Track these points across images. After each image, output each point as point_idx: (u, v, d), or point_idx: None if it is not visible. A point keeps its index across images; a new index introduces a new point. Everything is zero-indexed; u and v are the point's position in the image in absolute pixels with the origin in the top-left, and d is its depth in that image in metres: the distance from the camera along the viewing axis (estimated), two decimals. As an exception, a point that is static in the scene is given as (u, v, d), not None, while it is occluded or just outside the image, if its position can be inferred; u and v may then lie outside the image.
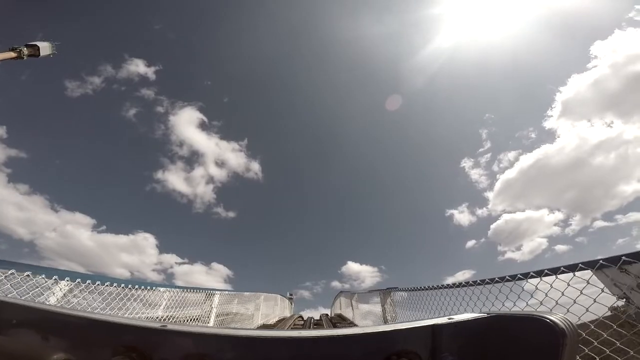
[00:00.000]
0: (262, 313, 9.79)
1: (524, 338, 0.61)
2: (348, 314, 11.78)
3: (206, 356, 0.61)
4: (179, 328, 0.67)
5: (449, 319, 0.68)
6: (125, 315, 3.14)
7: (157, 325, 0.65)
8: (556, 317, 0.57)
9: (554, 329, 0.56)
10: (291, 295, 21.73)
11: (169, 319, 4.39)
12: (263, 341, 0.64)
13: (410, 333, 0.66)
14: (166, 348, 0.65)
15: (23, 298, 2.14)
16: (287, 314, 16.66)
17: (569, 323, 0.57)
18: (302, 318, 14.86)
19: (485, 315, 0.68)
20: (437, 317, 0.70)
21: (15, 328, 0.71)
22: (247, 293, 8.56)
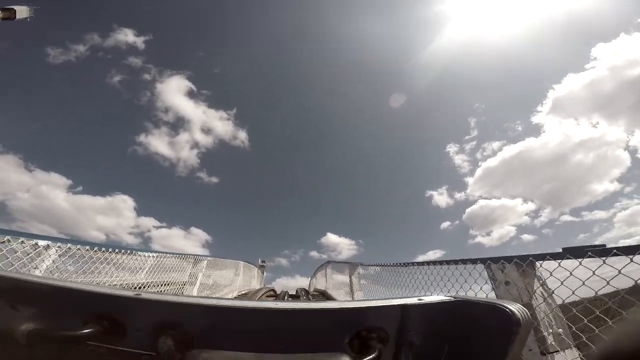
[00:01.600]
0: (212, 283, 7.45)
1: (484, 323, 0.65)
2: (323, 284, 11.83)
3: (180, 325, 0.62)
4: (154, 297, 0.66)
5: (419, 299, 0.71)
6: (104, 283, 3.10)
7: (130, 293, 0.65)
8: (515, 307, 0.61)
9: (510, 318, 0.60)
10: (263, 262, 18.15)
11: (150, 286, 4.48)
12: (237, 311, 0.65)
13: (380, 311, 0.69)
14: (140, 316, 0.64)
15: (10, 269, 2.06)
16: (255, 285, 13.72)
17: (526, 314, 0.61)
18: (275, 292, 12.65)
19: (452, 298, 0.71)
20: (407, 297, 0.73)
21: None
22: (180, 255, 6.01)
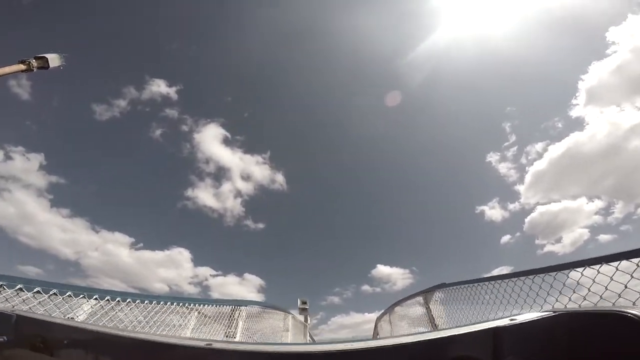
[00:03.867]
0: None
1: (602, 337, 0.54)
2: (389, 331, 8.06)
3: None
4: (225, 346, 0.66)
5: (511, 319, 0.62)
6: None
7: (202, 344, 0.65)
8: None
9: (638, 325, 0.48)
10: (304, 304, 11.52)
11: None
12: (309, 356, 0.61)
13: (470, 337, 0.61)
14: None
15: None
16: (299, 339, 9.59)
17: None
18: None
19: (552, 313, 0.61)
20: (497, 319, 0.65)
21: (67, 349, 0.73)
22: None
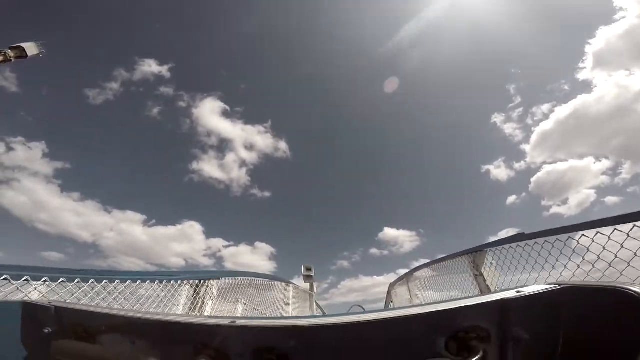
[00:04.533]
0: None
1: (602, 311, 0.57)
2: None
3: (275, 348, 0.64)
4: (247, 322, 0.71)
5: (517, 291, 0.65)
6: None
7: (226, 321, 0.70)
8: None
9: (638, 301, 0.51)
10: (309, 270, 10.11)
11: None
12: (325, 328, 0.65)
13: (477, 309, 0.64)
14: (238, 343, 0.69)
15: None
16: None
17: None
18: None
19: (557, 286, 0.64)
20: (504, 291, 0.67)
21: (106, 334, 0.79)
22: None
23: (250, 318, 0.76)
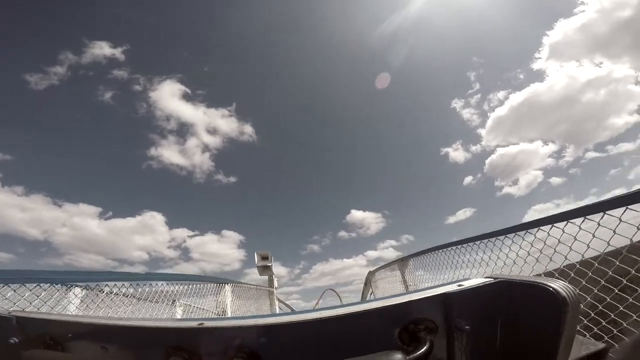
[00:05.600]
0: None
1: (529, 304, 0.66)
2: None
3: (245, 347, 0.68)
4: (215, 324, 0.74)
5: (459, 285, 0.72)
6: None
7: (194, 323, 0.72)
8: (558, 285, 0.61)
9: (555, 297, 0.60)
10: (264, 259, 7.87)
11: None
12: (291, 325, 0.70)
13: (423, 302, 0.71)
14: (208, 343, 0.72)
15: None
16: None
17: (570, 290, 0.61)
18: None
19: (493, 280, 0.72)
20: (447, 284, 0.75)
21: (73, 342, 0.79)
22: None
23: (219, 318, 0.79)
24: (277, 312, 6.88)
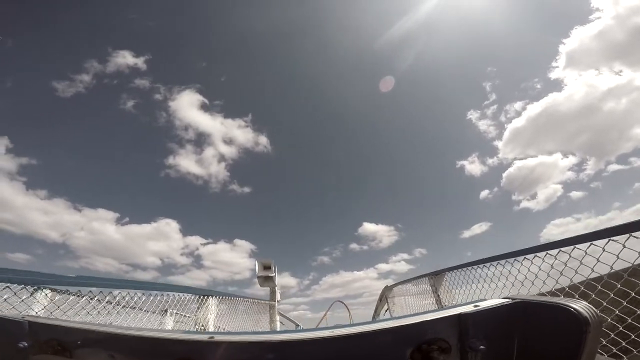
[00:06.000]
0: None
1: (549, 325, 0.64)
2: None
3: None
4: (226, 338, 0.73)
5: (475, 306, 0.71)
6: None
7: (205, 337, 0.72)
8: (579, 305, 0.60)
9: (577, 317, 0.58)
10: (267, 269, 6.87)
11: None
12: (301, 343, 0.69)
13: (438, 322, 0.69)
14: (216, 357, 0.71)
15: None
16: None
17: (591, 311, 0.59)
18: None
19: (510, 300, 0.70)
20: (463, 305, 0.73)
21: (82, 349, 0.80)
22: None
23: (230, 333, 0.79)
24: (278, 328, 6.54)
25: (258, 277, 6.84)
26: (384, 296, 7.18)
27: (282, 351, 0.69)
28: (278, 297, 7.07)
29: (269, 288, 7.04)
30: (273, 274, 6.94)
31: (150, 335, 0.80)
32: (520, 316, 0.67)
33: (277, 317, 6.75)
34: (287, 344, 0.69)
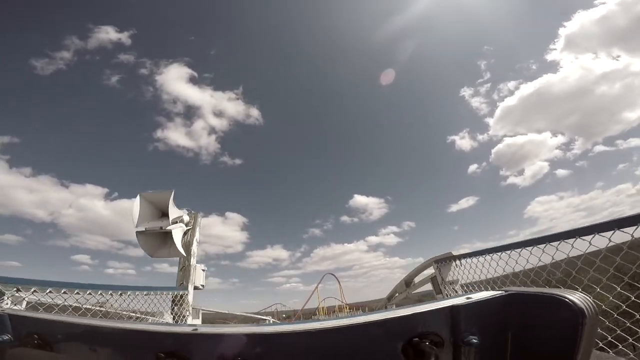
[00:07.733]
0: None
1: (544, 317, 0.62)
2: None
3: (239, 355, 0.65)
4: (209, 330, 0.71)
5: (467, 298, 0.69)
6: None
7: (188, 329, 0.70)
8: (575, 297, 0.58)
9: (572, 309, 0.57)
10: (165, 215, 3.36)
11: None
12: (288, 335, 0.67)
13: (429, 315, 0.67)
14: (201, 350, 0.69)
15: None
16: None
17: (588, 302, 0.58)
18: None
19: (503, 292, 0.68)
20: (455, 297, 0.71)
21: (64, 343, 0.77)
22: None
23: (214, 326, 0.77)
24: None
25: (137, 235, 3.62)
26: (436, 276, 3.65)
27: (269, 344, 0.67)
28: (202, 281, 3.93)
29: (175, 259, 3.81)
30: (181, 227, 3.74)
31: (132, 327, 0.77)
32: (514, 308, 0.66)
33: (189, 317, 3.66)
34: (275, 336, 0.67)
